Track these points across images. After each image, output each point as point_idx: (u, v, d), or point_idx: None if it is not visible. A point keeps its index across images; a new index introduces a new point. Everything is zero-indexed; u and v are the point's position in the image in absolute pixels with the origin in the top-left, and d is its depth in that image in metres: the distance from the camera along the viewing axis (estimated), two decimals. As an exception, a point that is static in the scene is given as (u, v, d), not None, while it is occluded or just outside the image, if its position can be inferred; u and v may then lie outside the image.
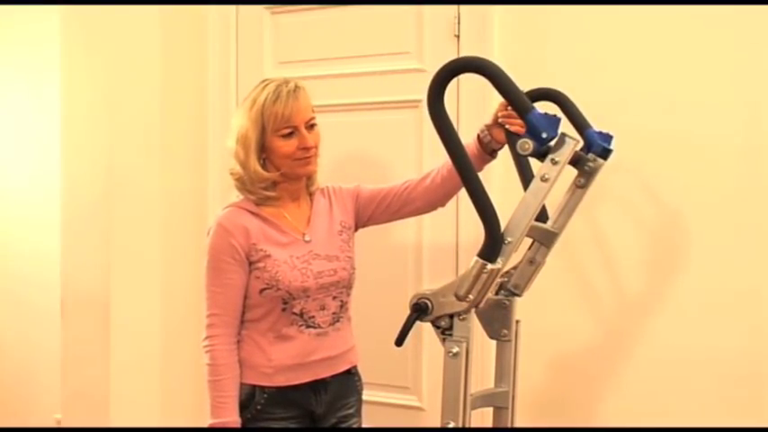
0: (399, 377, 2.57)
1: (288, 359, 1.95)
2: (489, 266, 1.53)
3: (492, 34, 2.40)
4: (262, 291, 1.93)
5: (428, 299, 1.59)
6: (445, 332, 1.61)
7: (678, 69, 2.20)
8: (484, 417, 1.84)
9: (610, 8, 2.25)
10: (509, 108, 1.72)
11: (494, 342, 1.81)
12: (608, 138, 1.85)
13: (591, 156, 1.81)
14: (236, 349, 1.96)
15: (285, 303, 1.93)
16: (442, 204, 2.06)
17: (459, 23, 2.45)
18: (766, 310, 2.13)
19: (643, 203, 2.24)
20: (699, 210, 2.18)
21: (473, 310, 1.61)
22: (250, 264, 1.94)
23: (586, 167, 1.81)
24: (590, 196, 2.28)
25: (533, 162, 1.72)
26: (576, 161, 1.79)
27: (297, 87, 1.94)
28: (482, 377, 2.17)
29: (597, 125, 2.27)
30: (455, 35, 2.46)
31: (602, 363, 2.31)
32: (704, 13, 2.15)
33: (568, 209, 1.83)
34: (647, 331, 2.24)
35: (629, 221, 2.26)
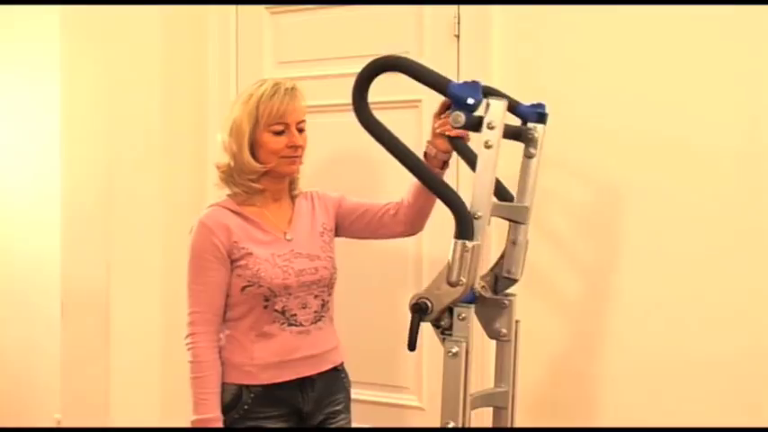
0: (399, 377, 2.57)
1: (269, 357, 1.96)
2: (469, 244, 1.54)
3: (492, 34, 2.40)
4: (243, 288, 1.95)
5: (425, 297, 1.59)
6: (445, 332, 1.62)
7: (678, 71, 2.20)
8: (484, 417, 1.84)
9: (610, 8, 2.25)
10: (442, 116, 1.79)
11: (494, 342, 1.81)
12: (539, 105, 1.87)
13: (530, 125, 1.84)
14: (217, 346, 1.98)
15: (267, 301, 1.95)
16: (420, 227, 2.10)
17: (459, 23, 2.45)
18: (766, 312, 2.13)
19: (641, 205, 2.24)
20: (699, 212, 2.18)
21: (473, 310, 1.61)
22: (232, 262, 1.96)
23: (529, 136, 1.83)
24: (588, 196, 2.28)
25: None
26: (518, 135, 1.82)
27: (294, 88, 1.98)
28: (482, 377, 2.17)
29: (596, 124, 2.28)
30: (455, 35, 2.46)
31: (601, 363, 2.30)
32: (704, 14, 2.15)
33: (529, 181, 1.84)
34: (646, 332, 2.24)
35: (627, 223, 2.26)
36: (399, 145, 1.69)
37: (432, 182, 1.69)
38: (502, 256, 1.82)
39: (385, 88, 2.55)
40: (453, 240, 1.56)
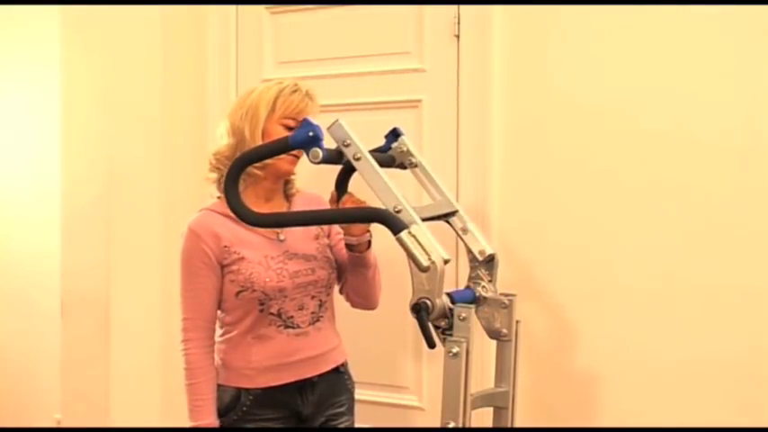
0: (399, 377, 2.57)
1: (267, 360, 1.95)
2: (410, 230, 1.60)
3: (492, 34, 2.40)
4: (238, 293, 1.93)
5: (421, 298, 1.59)
6: (445, 332, 1.61)
7: (678, 69, 2.20)
8: (484, 417, 1.84)
9: (610, 8, 2.25)
10: (339, 204, 1.92)
11: (494, 342, 1.81)
12: (392, 131, 1.93)
13: (394, 147, 1.90)
14: (210, 352, 1.96)
15: (262, 304, 1.93)
16: (368, 302, 2.10)
17: (459, 23, 2.45)
18: (766, 311, 2.13)
19: (642, 203, 2.24)
20: (697, 210, 2.18)
21: (473, 310, 1.62)
22: (223, 267, 1.94)
23: (400, 152, 1.90)
24: (585, 197, 2.29)
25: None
26: (393, 160, 1.90)
27: (312, 93, 2.00)
28: (482, 377, 2.17)
29: (596, 124, 2.29)
30: (455, 35, 2.46)
31: (601, 363, 2.30)
32: (704, 13, 2.15)
33: (432, 179, 1.89)
34: (645, 331, 2.24)
35: (630, 221, 2.26)
36: (296, 214, 1.94)
37: (345, 215, 1.88)
38: (469, 251, 1.83)
39: (385, 88, 2.58)
40: (396, 238, 1.61)
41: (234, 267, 1.93)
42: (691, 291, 2.19)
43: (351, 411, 2.10)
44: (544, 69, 2.35)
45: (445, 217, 1.85)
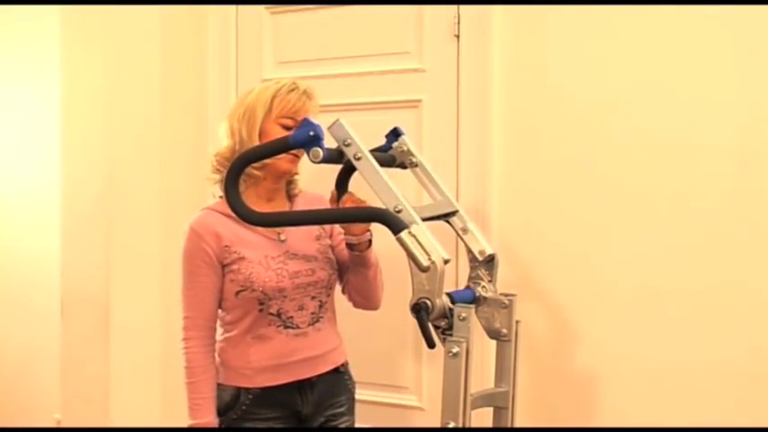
0: (399, 377, 2.57)
1: (266, 360, 1.95)
2: (410, 230, 1.60)
3: (492, 34, 2.40)
4: (238, 293, 1.93)
5: (421, 298, 1.60)
6: (445, 332, 1.61)
7: (678, 69, 2.20)
8: (484, 417, 1.84)
9: (610, 8, 2.25)
10: (339, 204, 1.91)
11: (494, 342, 1.81)
12: (392, 131, 1.93)
13: (395, 146, 1.90)
14: (211, 351, 1.97)
15: (261, 304, 1.93)
16: (370, 302, 2.10)
17: (459, 23, 2.45)
18: (766, 312, 2.13)
19: (642, 204, 2.24)
20: (696, 211, 2.18)
21: (473, 310, 1.62)
22: (224, 266, 1.94)
23: (401, 151, 1.90)
24: (585, 198, 2.29)
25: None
26: (393, 159, 1.90)
27: (311, 91, 1.99)
28: (482, 377, 2.17)
29: (596, 124, 2.29)
30: (455, 35, 2.46)
31: (600, 363, 2.30)
32: (704, 13, 2.15)
33: (432, 179, 1.89)
34: (645, 331, 2.24)
35: (630, 222, 2.26)
36: (296, 214, 1.95)
37: (345, 214, 1.88)
38: (469, 251, 1.83)
39: (385, 88, 2.58)
40: (397, 238, 1.60)
41: (234, 267, 1.93)
42: (690, 291, 2.19)
43: (351, 411, 2.09)
44: (544, 69, 2.35)
45: (445, 217, 1.85)
